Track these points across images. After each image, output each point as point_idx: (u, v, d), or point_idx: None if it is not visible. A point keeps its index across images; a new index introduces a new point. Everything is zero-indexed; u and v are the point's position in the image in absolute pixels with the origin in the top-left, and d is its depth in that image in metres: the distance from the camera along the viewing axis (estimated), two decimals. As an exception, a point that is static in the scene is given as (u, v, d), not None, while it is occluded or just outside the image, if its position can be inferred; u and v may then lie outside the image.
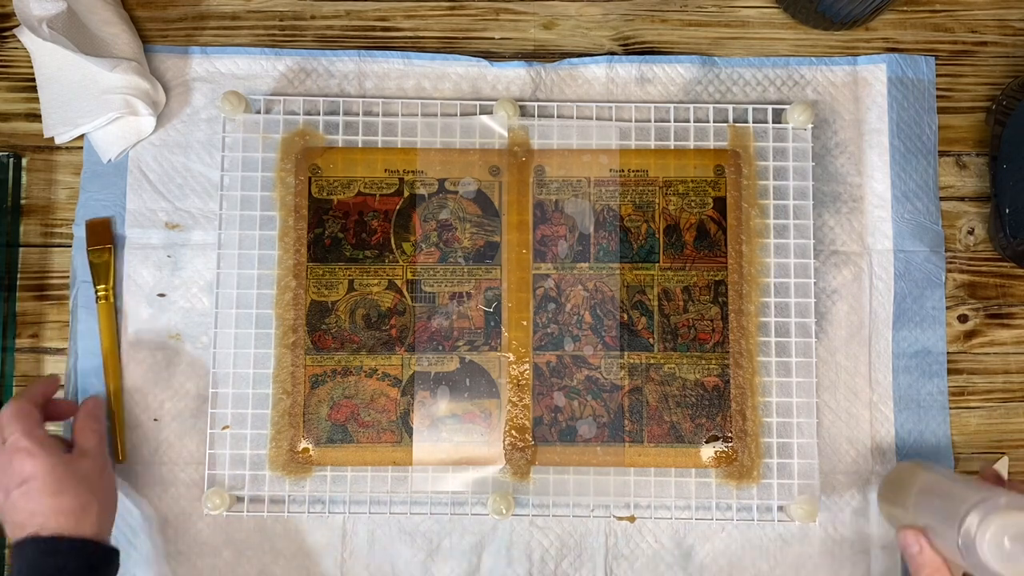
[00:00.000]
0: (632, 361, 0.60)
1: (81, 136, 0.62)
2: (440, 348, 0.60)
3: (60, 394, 0.61)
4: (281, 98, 0.62)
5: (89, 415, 0.57)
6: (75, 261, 0.62)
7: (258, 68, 0.63)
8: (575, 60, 0.63)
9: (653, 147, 0.62)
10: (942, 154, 0.63)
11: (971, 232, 0.63)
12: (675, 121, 0.62)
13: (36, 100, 0.62)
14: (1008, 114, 0.61)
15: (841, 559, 0.59)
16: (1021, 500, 0.45)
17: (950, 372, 0.61)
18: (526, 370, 0.60)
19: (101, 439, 0.56)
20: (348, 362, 0.60)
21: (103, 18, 0.61)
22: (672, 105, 0.62)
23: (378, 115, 0.62)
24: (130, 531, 0.60)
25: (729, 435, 0.59)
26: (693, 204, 0.61)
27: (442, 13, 0.65)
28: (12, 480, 0.52)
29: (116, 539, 0.58)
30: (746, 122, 0.62)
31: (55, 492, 0.51)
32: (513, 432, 0.59)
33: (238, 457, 0.59)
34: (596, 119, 0.62)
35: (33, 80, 0.62)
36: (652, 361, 0.60)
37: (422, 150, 0.62)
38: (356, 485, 0.59)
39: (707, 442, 0.59)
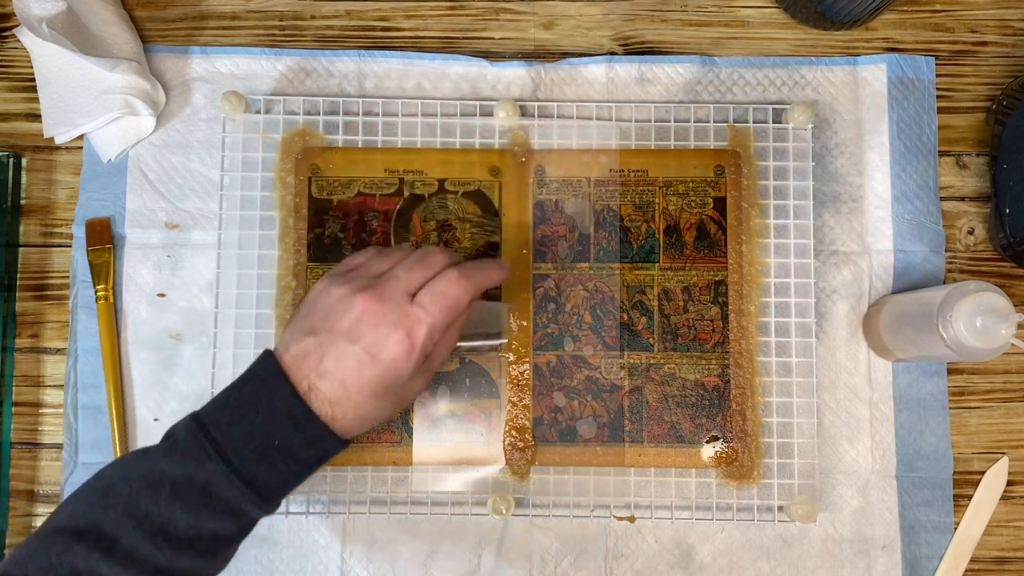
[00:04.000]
0: (632, 361, 0.60)
1: (81, 136, 0.62)
2: (440, 348, 0.60)
3: (60, 394, 0.61)
4: (281, 98, 0.62)
5: (453, 333, 0.50)
6: (75, 261, 0.62)
7: (258, 68, 0.63)
8: (575, 60, 0.63)
9: (653, 147, 0.62)
10: (942, 154, 0.63)
11: (971, 232, 0.63)
12: (675, 121, 0.62)
13: (36, 100, 0.62)
14: (1008, 114, 0.61)
15: (841, 559, 0.59)
16: (985, 284, 0.50)
17: (950, 372, 0.61)
18: (526, 370, 0.60)
19: (442, 362, 0.51)
20: (348, 362, 0.60)
21: (103, 18, 0.61)
22: (672, 105, 0.62)
23: (378, 115, 0.62)
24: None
25: (729, 435, 0.59)
26: (693, 204, 0.61)
27: (442, 13, 0.65)
28: (375, 334, 0.45)
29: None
30: (746, 122, 0.62)
31: (376, 393, 0.45)
32: (513, 432, 0.59)
33: (238, 457, 0.59)
34: (596, 119, 0.62)
35: (33, 80, 0.62)
36: (652, 361, 0.60)
37: (422, 150, 0.62)
38: (356, 485, 0.59)
39: (707, 442, 0.59)
